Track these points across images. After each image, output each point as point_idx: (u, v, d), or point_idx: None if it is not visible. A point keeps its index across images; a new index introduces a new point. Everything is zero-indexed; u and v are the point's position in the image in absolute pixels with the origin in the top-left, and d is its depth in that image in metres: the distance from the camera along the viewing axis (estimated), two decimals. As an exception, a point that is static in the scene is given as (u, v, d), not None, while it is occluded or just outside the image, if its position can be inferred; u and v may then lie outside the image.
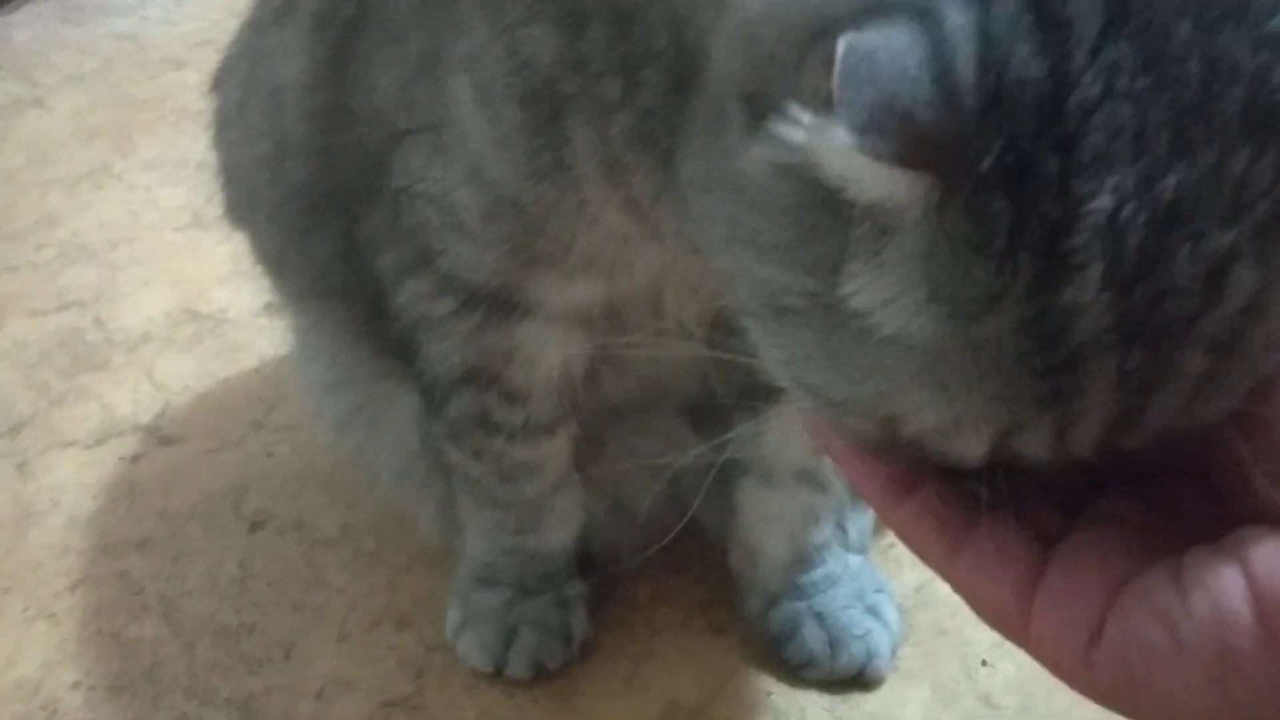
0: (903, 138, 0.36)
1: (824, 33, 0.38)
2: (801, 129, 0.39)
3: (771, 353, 0.46)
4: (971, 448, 0.42)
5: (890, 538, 0.95)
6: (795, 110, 0.39)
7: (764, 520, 0.85)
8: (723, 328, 0.75)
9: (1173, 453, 0.42)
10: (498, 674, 0.85)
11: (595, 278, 0.68)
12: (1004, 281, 0.37)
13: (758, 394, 0.80)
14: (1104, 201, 0.36)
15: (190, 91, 1.56)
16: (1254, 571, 0.37)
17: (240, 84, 0.84)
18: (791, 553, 0.85)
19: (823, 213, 0.40)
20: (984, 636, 0.87)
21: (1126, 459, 0.41)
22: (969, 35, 0.36)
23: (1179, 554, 0.39)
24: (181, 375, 1.13)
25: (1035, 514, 0.44)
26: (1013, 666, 0.84)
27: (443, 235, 0.69)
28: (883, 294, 0.39)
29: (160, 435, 1.07)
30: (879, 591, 0.87)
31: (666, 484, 0.87)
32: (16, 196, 1.39)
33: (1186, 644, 0.37)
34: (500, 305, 0.70)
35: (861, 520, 0.89)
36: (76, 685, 0.87)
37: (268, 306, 1.15)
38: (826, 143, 0.37)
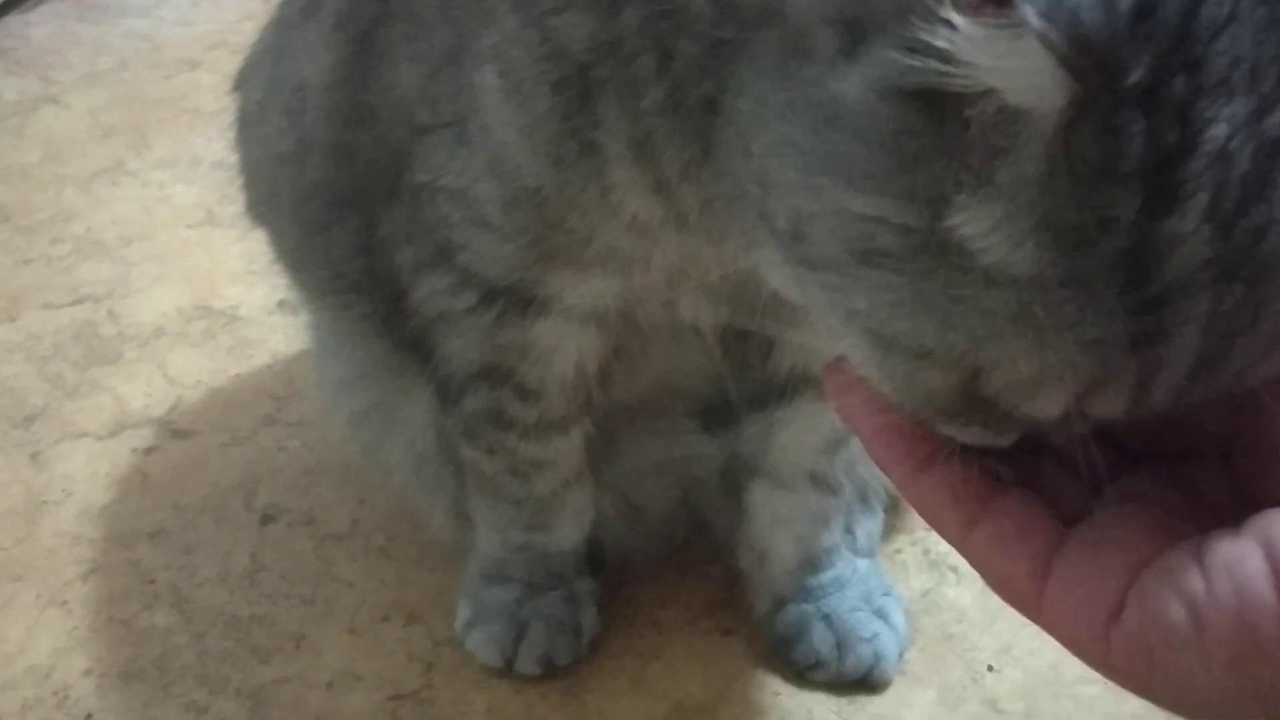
0: (1070, 35, 0.35)
1: None
2: (947, 31, 0.37)
3: (848, 303, 0.45)
4: (1052, 404, 0.42)
5: (898, 542, 0.96)
6: (943, 11, 0.37)
7: (773, 522, 0.86)
8: (736, 331, 0.77)
9: (1195, 434, 0.42)
10: (507, 669, 0.86)
11: (612, 273, 0.69)
12: (1117, 208, 0.37)
13: (769, 396, 0.81)
14: (1220, 130, 0.36)
15: (204, 92, 1.59)
16: (1277, 554, 0.37)
17: (263, 82, 0.85)
18: (800, 555, 0.86)
19: (932, 136, 0.40)
20: (990, 642, 0.88)
21: (1154, 435, 0.42)
22: None
23: (1201, 536, 0.40)
24: (194, 370, 1.14)
25: (1055, 492, 0.45)
26: (1019, 672, 0.85)
27: (463, 229, 0.70)
28: (989, 220, 0.39)
29: (173, 428, 1.08)
30: (886, 595, 0.88)
31: (678, 485, 0.89)
32: (32, 192, 1.40)
33: (1208, 624, 0.38)
34: (517, 301, 0.71)
35: (870, 524, 0.90)
36: (88, 672, 0.88)
37: (280, 304, 1.16)
38: (991, 41, 0.37)
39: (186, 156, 1.45)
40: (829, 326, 0.48)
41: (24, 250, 1.30)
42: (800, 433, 0.81)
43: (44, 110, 1.57)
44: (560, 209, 0.64)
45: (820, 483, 0.84)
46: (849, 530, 0.88)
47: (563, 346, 0.74)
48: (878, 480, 0.89)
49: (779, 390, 0.79)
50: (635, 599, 0.91)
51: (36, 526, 0.99)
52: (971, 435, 0.45)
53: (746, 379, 0.80)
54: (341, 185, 0.78)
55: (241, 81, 0.88)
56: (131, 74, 1.65)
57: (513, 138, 0.63)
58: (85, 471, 1.04)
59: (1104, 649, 0.41)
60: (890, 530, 0.95)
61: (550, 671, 0.86)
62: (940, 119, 0.40)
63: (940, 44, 0.38)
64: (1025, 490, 0.45)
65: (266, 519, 0.99)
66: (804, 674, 0.86)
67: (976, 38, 0.37)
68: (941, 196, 0.40)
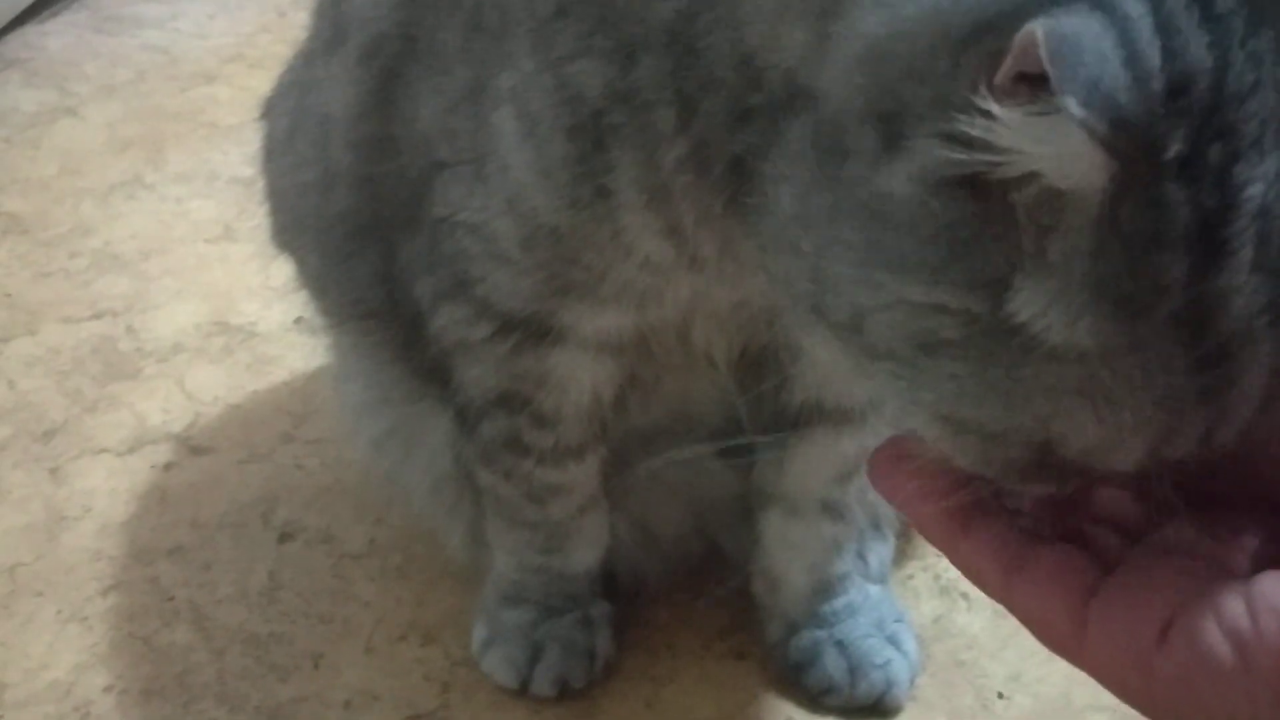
0: (1110, 118, 0.36)
1: (980, 34, 0.40)
2: (984, 121, 0.39)
3: (914, 391, 0.46)
4: (1128, 459, 0.43)
5: (909, 568, 0.97)
6: (980, 101, 0.39)
7: (787, 549, 0.87)
8: (749, 362, 0.78)
9: (1238, 483, 0.44)
10: (522, 691, 0.87)
11: (625, 307, 0.70)
12: (1170, 272, 0.38)
13: (783, 424, 0.82)
14: (1258, 188, 0.38)
15: (221, 106, 1.60)
16: None
17: (290, 112, 0.86)
18: (813, 582, 0.87)
19: (981, 221, 0.41)
20: (1000, 669, 0.89)
21: (1193, 485, 0.43)
22: (1149, 25, 0.38)
23: (1244, 580, 0.41)
24: (212, 386, 1.15)
25: (1093, 541, 0.46)
26: (1029, 699, 0.86)
27: (481, 263, 0.71)
28: (1045, 298, 0.40)
29: (191, 445, 1.09)
30: (898, 621, 0.89)
31: (692, 510, 0.90)
32: (50, 205, 1.41)
33: (1255, 664, 0.39)
34: (534, 332, 0.73)
35: (882, 550, 0.91)
36: (108, 689, 0.89)
37: (298, 321, 1.17)
38: (1032, 128, 0.38)
39: (204, 171, 1.47)
40: (897, 409, 0.49)
41: (43, 263, 1.31)
42: (813, 462, 0.82)
43: (62, 122, 1.58)
44: (576, 247, 0.66)
45: (833, 510, 0.85)
46: (861, 556, 0.89)
47: (578, 376, 0.75)
48: (889, 507, 0.90)
49: (792, 420, 0.80)
50: (649, 622, 0.92)
51: (57, 542, 1.00)
52: (1039, 490, 0.47)
53: (760, 409, 0.81)
54: (364, 215, 0.80)
55: (268, 110, 0.90)
56: (148, 86, 1.66)
57: (530, 179, 0.65)
58: (105, 487, 1.05)
59: (1146, 685, 0.42)
60: (902, 556, 0.96)
61: (565, 693, 0.87)
62: (987, 203, 0.41)
63: (979, 134, 0.39)
64: (1062, 543, 0.46)
65: (284, 537, 1.00)
66: (816, 699, 0.87)
67: (1015, 124, 0.38)
68: (999, 279, 0.41)
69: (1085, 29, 0.37)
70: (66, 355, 1.19)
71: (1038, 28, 0.37)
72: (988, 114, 0.39)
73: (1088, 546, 0.46)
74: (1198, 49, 0.38)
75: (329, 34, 0.81)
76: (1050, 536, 0.46)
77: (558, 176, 0.63)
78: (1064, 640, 0.45)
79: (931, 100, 0.41)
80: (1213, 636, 0.40)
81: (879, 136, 0.44)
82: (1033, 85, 0.38)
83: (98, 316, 1.24)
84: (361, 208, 0.79)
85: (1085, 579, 0.44)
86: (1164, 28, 0.38)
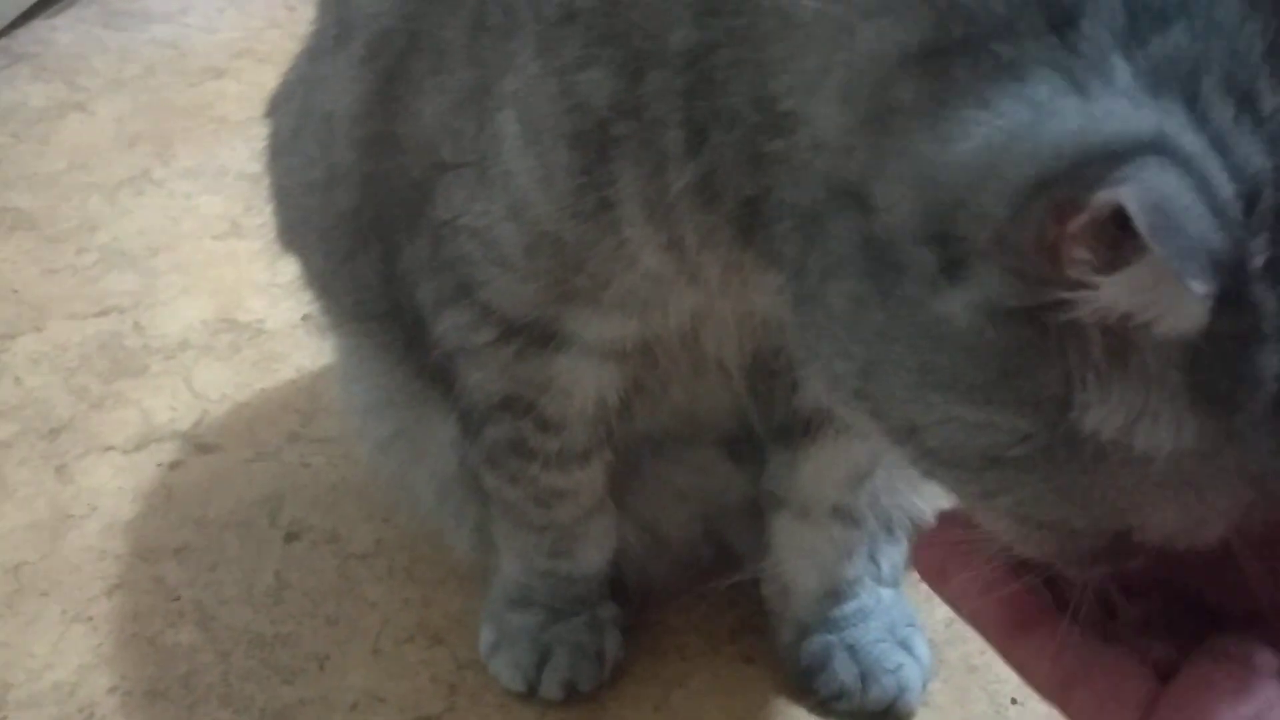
0: (1212, 269, 0.36)
1: (1043, 186, 0.39)
2: (1081, 284, 0.39)
3: (985, 496, 0.46)
4: (1211, 536, 0.43)
5: (921, 572, 0.95)
6: (1069, 269, 0.39)
7: (798, 554, 0.86)
8: (761, 365, 0.77)
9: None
10: (530, 693, 0.86)
11: (629, 315, 0.69)
12: (1265, 367, 0.38)
13: (794, 429, 0.81)
14: None
15: (229, 101, 1.59)
16: None
17: (295, 111, 0.86)
18: (824, 586, 0.86)
19: (1038, 348, 0.41)
20: (1014, 675, 0.87)
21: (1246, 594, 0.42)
22: (1211, 155, 0.38)
23: None
24: (219, 383, 1.15)
25: (1147, 648, 0.45)
26: (1043, 705, 0.84)
27: (483, 268, 0.70)
28: (1133, 410, 0.40)
29: (198, 443, 1.08)
30: (910, 626, 0.88)
31: (701, 512, 0.89)
32: (58, 200, 1.40)
33: None
34: (537, 337, 0.72)
35: (894, 554, 0.90)
36: (113, 689, 0.88)
37: (305, 318, 1.17)
38: (1126, 286, 0.38)
39: (212, 166, 1.46)
40: (970, 507, 0.48)
41: (50, 259, 1.31)
42: (825, 466, 0.81)
43: (70, 117, 1.57)
44: (579, 255, 0.65)
45: (844, 515, 0.84)
46: (873, 560, 0.88)
47: (582, 381, 0.74)
48: (902, 510, 0.89)
49: (804, 425, 0.79)
50: (658, 625, 0.92)
51: (62, 541, 0.99)
52: (1100, 572, 0.46)
53: (771, 414, 0.80)
54: (367, 215, 0.79)
55: (273, 109, 0.89)
56: (157, 81, 1.66)
57: (531, 186, 0.64)
58: (111, 486, 1.04)
59: None
60: (914, 559, 0.95)
61: (573, 696, 0.86)
62: (1047, 325, 0.40)
63: (1057, 290, 0.39)
64: (1120, 649, 0.46)
65: (290, 537, 1.00)
66: (827, 704, 0.86)
67: (1107, 283, 0.38)
68: (1056, 398, 0.41)
69: (1167, 188, 0.36)
70: (73, 352, 1.18)
71: (1122, 195, 0.36)
72: (1073, 279, 0.39)
73: (1139, 650, 0.45)
74: (1257, 157, 0.38)
75: (334, 31, 0.80)
76: (1108, 634, 0.46)
77: (560, 185, 0.62)
78: None
79: (991, 241, 0.41)
80: None
81: (937, 260, 0.43)
82: (1117, 238, 0.37)
83: (104, 313, 1.23)
84: (365, 208, 0.79)
85: (1144, 691, 0.44)
86: (1223, 149, 0.38)
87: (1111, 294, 0.39)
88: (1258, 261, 0.38)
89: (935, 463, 0.47)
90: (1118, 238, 0.37)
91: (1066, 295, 0.39)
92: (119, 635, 0.92)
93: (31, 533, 1.00)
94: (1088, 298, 0.39)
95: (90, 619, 0.93)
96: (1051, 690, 0.46)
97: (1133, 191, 0.36)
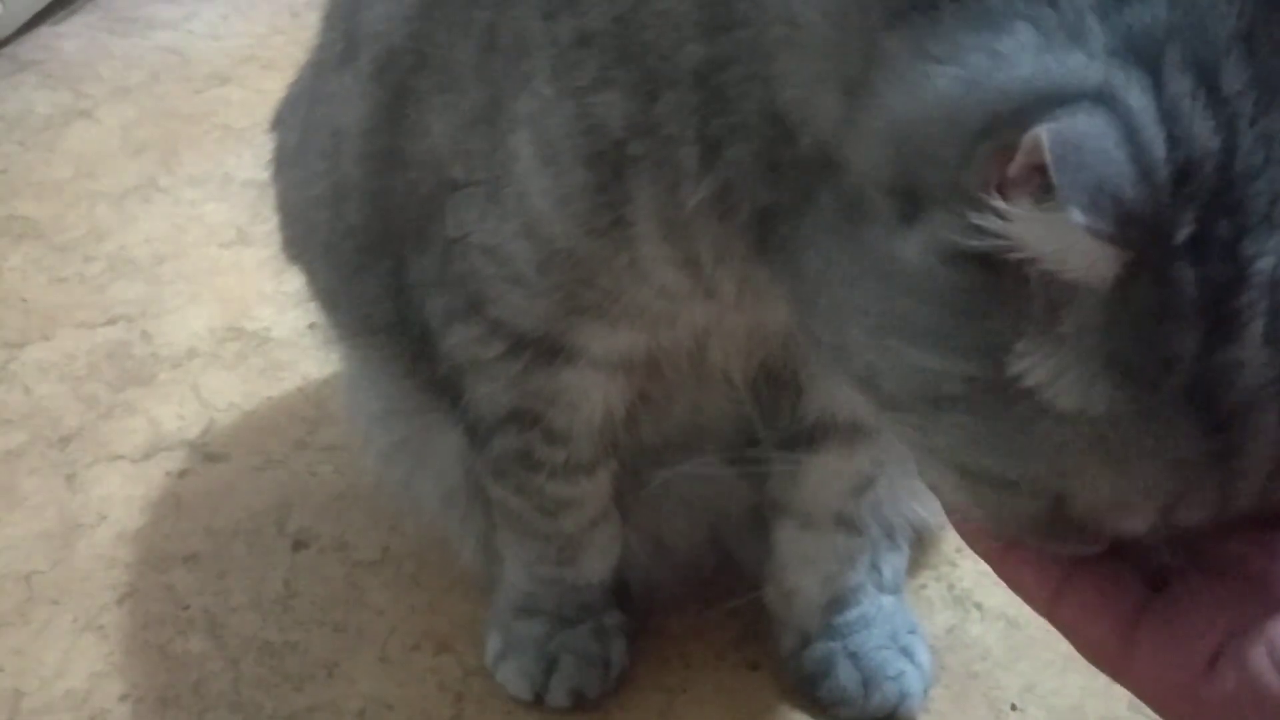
0: (1115, 216, 0.37)
1: (989, 130, 0.40)
2: (1001, 216, 0.40)
3: (930, 441, 0.47)
4: (1139, 522, 0.44)
5: (923, 578, 0.96)
6: (993, 200, 0.40)
7: (800, 561, 0.87)
8: (766, 377, 0.78)
9: None
10: (537, 701, 0.87)
11: (639, 329, 0.70)
12: (1181, 346, 0.39)
13: (798, 439, 0.82)
14: (1267, 262, 0.39)
15: (234, 108, 1.60)
16: None
17: (300, 124, 0.86)
18: (827, 594, 0.87)
19: (988, 294, 0.42)
20: (1014, 681, 0.89)
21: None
22: (1153, 116, 0.39)
23: None
24: (227, 392, 1.16)
25: (1142, 556, 0.46)
26: (1042, 712, 0.86)
27: (494, 284, 0.71)
28: (1057, 368, 0.41)
29: (206, 451, 1.09)
30: (912, 633, 0.89)
31: (705, 521, 0.90)
32: (65, 208, 1.41)
33: None
34: (546, 351, 0.73)
35: (896, 561, 0.91)
36: (124, 697, 0.89)
37: (311, 326, 1.17)
38: (1041, 226, 0.39)
39: (218, 174, 1.47)
40: (918, 459, 0.50)
41: (58, 268, 1.32)
42: (828, 475, 0.82)
43: (76, 125, 1.58)
44: (592, 270, 0.66)
45: (847, 524, 0.85)
46: (875, 567, 0.89)
47: (590, 394, 0.75)
48: (903, 518, 0.90)
49: (808, 435, 0.80)
50: (663, 633, 0.92)
51: (72, 550, 1.00)
52: (1064, 549, 0.47)
53: (775, 423, 0.81)
54: (374, 231, 0.80)
55: (278, 122, 0.89)
56: (162, 88, 1.66)
57: (547, 205, 0.64)
58: (120, 494, 1.05)
59: (1192, 709, 0.42)
60: (915, 566, 0.96)
61: (579, 704, 0.87)
62: (999, 274, 0.41)
63: (990, 225, 0.40)
64: (1110, 556, 0.46)
65: (298, 545, 1.01)
66: (829, 711, 0.87)
67: (1024, 220, 0.39)
68: (1002, 345, 0.42)
69: (1089, 129, 0.38)
70: (82, 361, 1.19)
71: (1043, 132, 0.37)
72: (997, 211, 0.40)
73: (1134, 558, 0.46)
74: (1204, 132, 0.39)
75: (340, 46, 0.81)
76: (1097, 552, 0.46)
77: (576, 204, 0.63)
78: (1111, 660, 0.45)
79: (946, 186, 0.42)
80: (1263, 668, 0.40)
81: (899, 207, 0.45)
82: (1044, 180, 0.38)
83: (112, 322, 1.24)
84: (372, 223, 0.79)
85: (1134, 597, 0.45)
86: (1168, 115, 0.39)
87: (1025, 233, 0.40)
88: (1181, 235, 0.38)
89: (890, 408, 0.48)
90: (1047, 181, 0.38)
91: (1006, 244, 0.40)
92: (130, 643, 0.93)
93: (42, 541, 1.01)
94: (1019, 244, 0.40)
95: (101, 627, 0.94)
96: (1041, 600, 0.47)
97: (1052, 128, 0.37)
